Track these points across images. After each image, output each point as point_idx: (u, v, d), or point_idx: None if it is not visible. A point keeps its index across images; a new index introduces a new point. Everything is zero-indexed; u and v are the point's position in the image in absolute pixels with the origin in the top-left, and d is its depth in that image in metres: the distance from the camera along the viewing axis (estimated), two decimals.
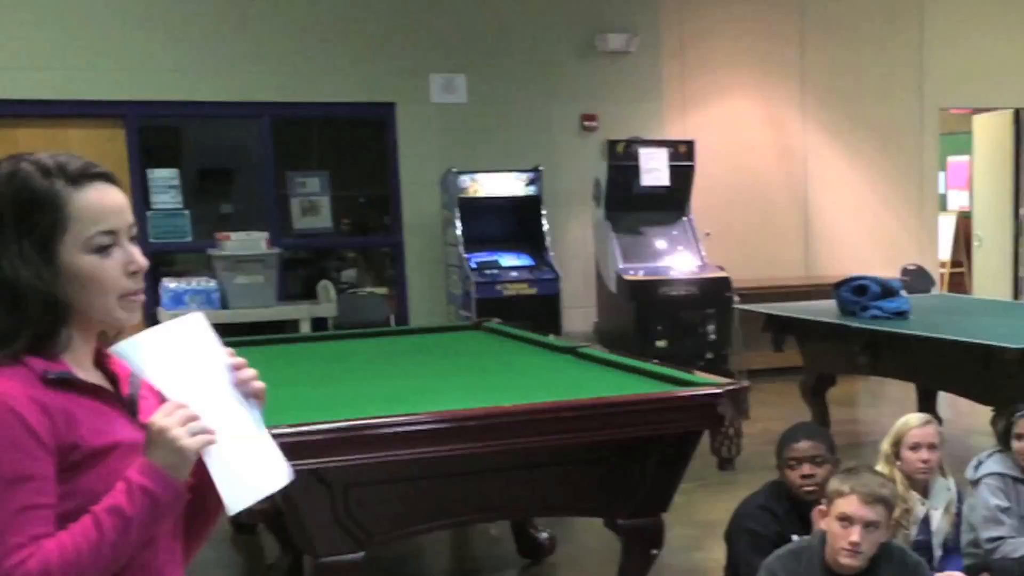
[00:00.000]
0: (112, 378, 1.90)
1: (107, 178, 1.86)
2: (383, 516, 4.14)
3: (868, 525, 3.29)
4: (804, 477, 4.03)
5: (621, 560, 4.51)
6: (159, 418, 1.74)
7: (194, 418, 1.76)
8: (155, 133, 10.29)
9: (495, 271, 9.43)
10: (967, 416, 8.34)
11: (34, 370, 1.74)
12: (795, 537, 3.95)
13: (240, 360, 1.89)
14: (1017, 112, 12.48)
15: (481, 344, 6.18)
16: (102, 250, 1.81)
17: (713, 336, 9.44)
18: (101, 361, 1.91)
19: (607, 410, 4.12)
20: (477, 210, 9.64)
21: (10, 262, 1.75)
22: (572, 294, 10.01)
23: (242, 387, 1.86)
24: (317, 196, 10.40)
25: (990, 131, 13.02)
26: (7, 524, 1.65)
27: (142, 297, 1.88)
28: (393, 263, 10.63)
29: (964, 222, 14.39)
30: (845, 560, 3.31)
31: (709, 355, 9.27)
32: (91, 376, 1.85)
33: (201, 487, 1.86)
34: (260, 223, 9.72)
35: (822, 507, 3.45)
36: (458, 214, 9.55)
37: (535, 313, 8.75)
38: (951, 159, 14.52)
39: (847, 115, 11.55)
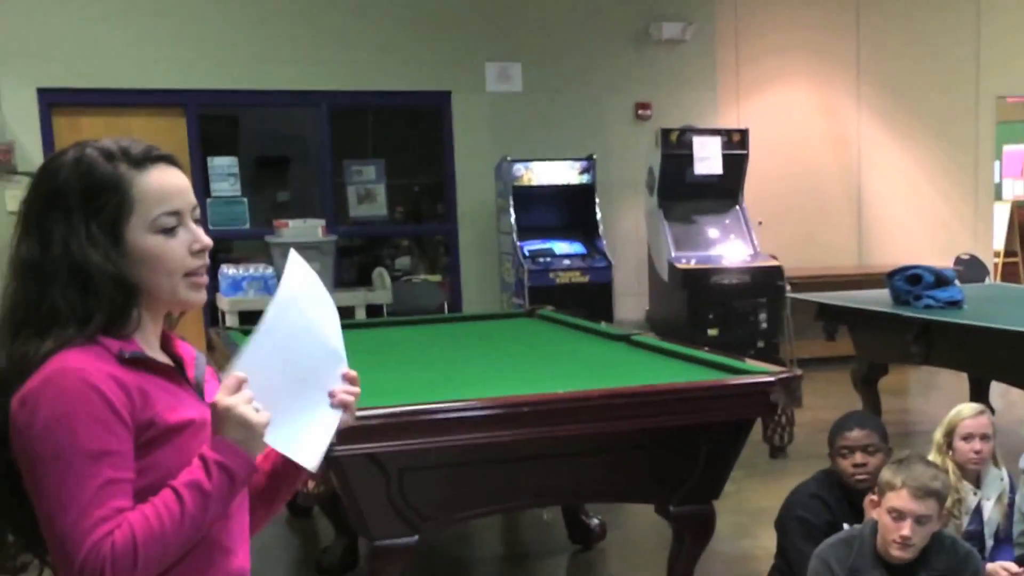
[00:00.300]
0: (177, 361, 1.95)
1: (169, 160, 1.90)
2: (437, 500, 4.17)
3: (920, 519, 3.28)
4: (856, 466, 4.01)
5: (672, 547, 4.52)
6: (223, 397, 1.77)
7: (252, 399, 1.79)
8: (214, 121, 10.40)
9: (548, 259, 9.44)
10: (1019, 407, 8.27)
11: (109, 350, 1.78)
12: (846, 526, 3.93)
13: (353, 373, 1.95)
14: None
15: (535, 331, 6.19)
16: (167, 231, 1.85)
17: (764, 325, 9.40)
18: (166, 345, 1.95)
19: (660, 397, 4.11)
20: (531, 198, 9.66)
21: (79, 245, 1.79)
22: (624, 282, 10.01)
23: (338, 390, 1.92)
24: (373, 184, 10.45)
25: None
26: (92, 498, 1.69)
27: (206, 278, 1.92)
28: (447, 251, 10.68)
29: (1019, 211, 14.21)
30: (896, 552, 3.30)
31: (760, 344, 9.23)
32: (160, 357, 1.90)
33: (278, 467, 1.97)
34: (316, 211, 9.81)
35: (874, 497, 3.43)
36: (512, 202, 9.56)
37: (587, 301, 8.74)
38: (1007, 148, 14.33)
39: (902, 103, 11.43)
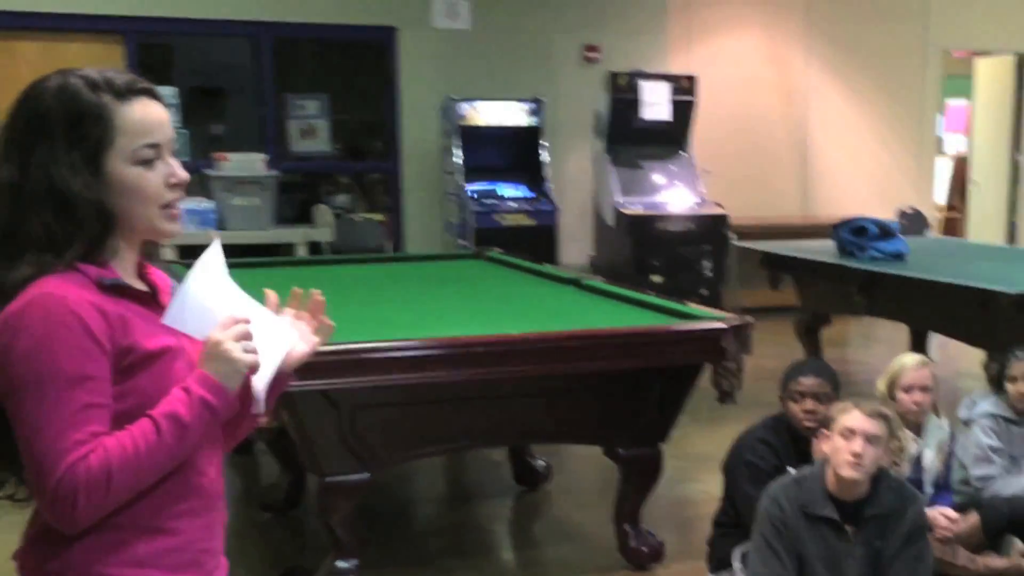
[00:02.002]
0: (152, 288, 2.00)
1: (151, 93, 1.94)
2: (389, 438, 4.26)
3: (870, 439, 3.43)
4: (806, 412, 4.10)
5: (619, 488, 4.66)
6: (216, 332, 1.85)
7: (247, 335, 1.87)
8: (153, 50, 10.28)
9: (493, 201, 9.50)
10: (956, 359, 8.50)
11: (88, 276, 1.83)
12: (791, 470, 4.07)
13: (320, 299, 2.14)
14: (1020, 57, 12.56)
15: (483, 273, 6.27)
16: (146, 163, 1.90)
17: (709, 273, 9.56)
18: (142, 273, 2.01)
19: (614, 341, 4.24)
20: (476, 139, 9.71)
21: (60, 172, 1.83)
22: (569, 226, 10.09)
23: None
24: (315, 119, 10.41)
25: (992, 75, 13.10)
26: (69, 421, 1.75)
27: (179, 212, 1.97)
28: (389, 190, 10.69)
29: (960, 166, 14.48)
30: (847, 472, 3.42)
31: (704, 291, 9.37)
32: (136, 285, 1.95)
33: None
34: (256, 144, 9.75)
35: (826, 432, 3.58)
36: (457, 142, 9.60)
37: (532, 244, 8.80)
38: (950, 102, 14.55)
39: (850, 54, 11.60)
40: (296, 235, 9.18)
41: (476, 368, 4.05)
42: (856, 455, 3.42)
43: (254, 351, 1.88)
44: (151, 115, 1.92)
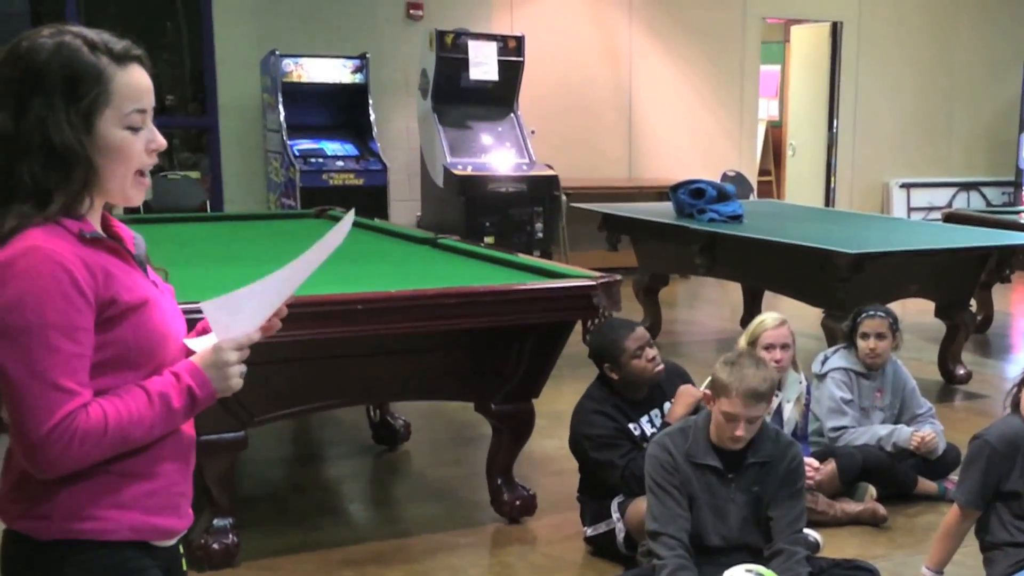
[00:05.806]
0: (117, 239, 2.12)
1: (141, 60, 2.06)
2: (264, 396, 4.36)
3: (750, 420, 3.74)
4: (651, 361, 4.45)
5: (492, 444, 4.89)
6: (228, 351, 2.01)
7: (246, 357, 2.05)
8: None
9: (320, 160, 9.58)
10: (790, 317, 9.00)
11: (70, 230, 1.95)
12: (632, 425, 4.42)
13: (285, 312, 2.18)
14: (835, 25, 13.26)
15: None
16: (134, 128, 2.01)
17: (540, 235, 9.83)
18: (106, 225, 2.13)
19: (491, 298, 4.45)
20: (300, 96, 9.77)
21: (57, 127, 1.94)
22: (396, 186, 10.22)
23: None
24: None
25: (808, 42, 13.79)
26: (62, 371, 1.87)
27: (148, 180, 2.10)
28: (201, 147, 10.61)
29: (773, 131, 15.17)
30: (730, 446, 3.77)
31: (536, 253, 9.64)
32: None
33: None
34: None
35: (707, 392, 3.87)
36: (280, 99, 9.63)
37: (362, 204, 8.85)
38: (761, 68, 15.18)
39: (672, 18, 12.05)
40: None
41: (357, 325, 4.19)
42: (739, 437, 3.74)
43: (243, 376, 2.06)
44: (143, 82, 2.03)
